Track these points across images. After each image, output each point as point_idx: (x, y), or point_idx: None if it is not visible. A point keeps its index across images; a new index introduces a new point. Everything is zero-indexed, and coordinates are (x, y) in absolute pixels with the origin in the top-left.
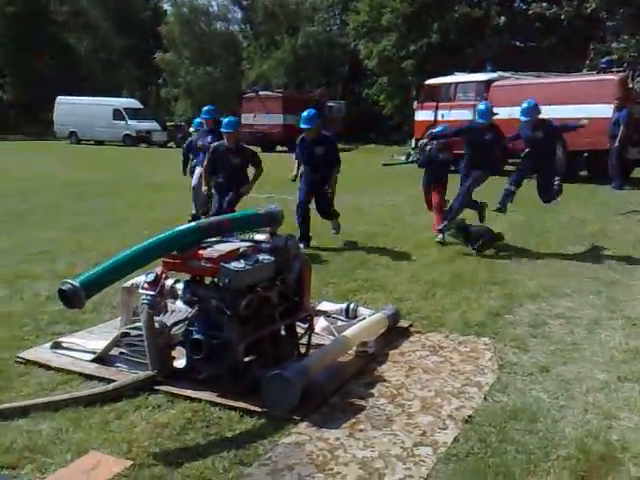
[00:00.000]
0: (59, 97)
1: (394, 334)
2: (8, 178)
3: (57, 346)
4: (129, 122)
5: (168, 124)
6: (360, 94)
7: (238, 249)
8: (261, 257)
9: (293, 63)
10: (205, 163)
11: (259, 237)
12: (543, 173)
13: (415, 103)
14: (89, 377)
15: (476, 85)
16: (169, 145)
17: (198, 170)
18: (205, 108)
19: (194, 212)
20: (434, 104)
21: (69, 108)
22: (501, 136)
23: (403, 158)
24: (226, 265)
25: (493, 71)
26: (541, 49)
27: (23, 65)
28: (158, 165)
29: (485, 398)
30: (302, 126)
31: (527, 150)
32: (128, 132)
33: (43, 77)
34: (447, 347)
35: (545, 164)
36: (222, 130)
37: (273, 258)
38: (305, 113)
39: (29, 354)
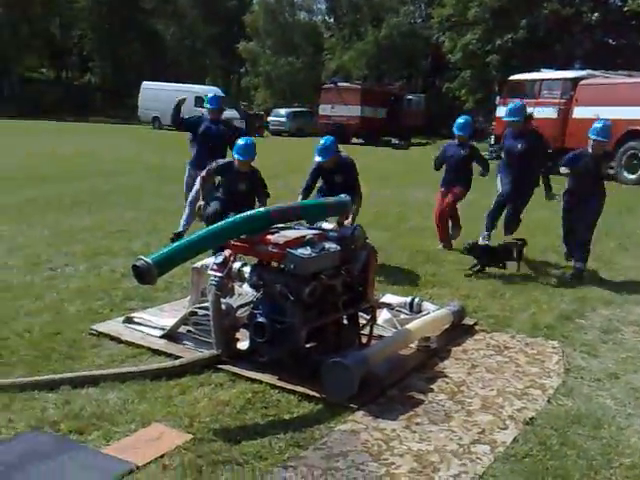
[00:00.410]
0: (144, 82)
1: (458, 331)
2: (96, 160)
3: (129, 321)
4: None
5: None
6: (441, 88)
7: (305, 236)
8: (327, 245)
9: (376, 54)
10: (204, 174)
11: (327, 226)
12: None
13: (498, 98)
14: (157, 352)
15: (563, 83)
16: None
17: (197, 185)
18: (210, 95)
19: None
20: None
21: (153, 93)
22: (543, 144)
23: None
24: (292, 251)
25: (582, 69)
26: (636, 47)
27: (112, 50)
28: None
29: (549, 401)
30: (317, 159)
31: (571, 187)
32: None
33: (130, 63)
34: (513, 348)
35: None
36: (235, 156)
37: (339, 247)
38: (322, 142)
39: (102, 327)
